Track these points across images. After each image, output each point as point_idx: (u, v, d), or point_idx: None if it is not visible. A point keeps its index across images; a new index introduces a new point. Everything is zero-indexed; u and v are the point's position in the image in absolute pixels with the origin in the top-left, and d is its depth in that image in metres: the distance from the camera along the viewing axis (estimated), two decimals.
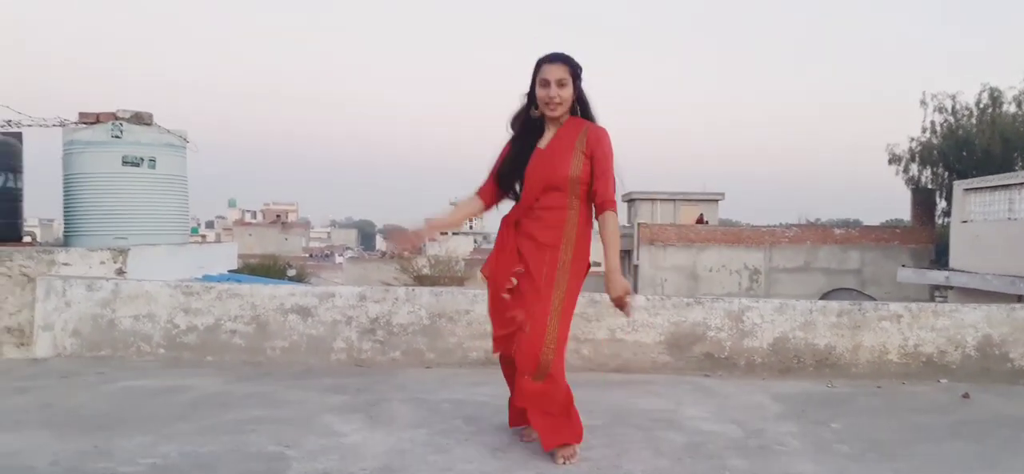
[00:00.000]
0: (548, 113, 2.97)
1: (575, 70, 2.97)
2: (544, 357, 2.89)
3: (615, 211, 2.97)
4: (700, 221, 34.47)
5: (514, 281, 2.98)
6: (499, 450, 3.11)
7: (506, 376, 3.25)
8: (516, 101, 3.10)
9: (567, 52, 2.99)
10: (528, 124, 3.06)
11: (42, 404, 3.78)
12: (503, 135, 3.14)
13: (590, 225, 3.06)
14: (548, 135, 3.03)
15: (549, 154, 2.99)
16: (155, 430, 3.30)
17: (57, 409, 3.69)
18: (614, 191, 2.97)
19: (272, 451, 3.05)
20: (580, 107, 3.03)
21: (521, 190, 3.07)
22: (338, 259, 71.39)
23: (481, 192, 3.15)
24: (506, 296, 3.00)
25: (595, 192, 2.98)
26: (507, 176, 3.08)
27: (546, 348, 2.89)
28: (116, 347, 5.06)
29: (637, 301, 5.02)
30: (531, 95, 3.02)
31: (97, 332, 5.09)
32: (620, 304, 2.95)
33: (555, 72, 2.92)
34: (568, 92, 2.94)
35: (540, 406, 2.97)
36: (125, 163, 9.43)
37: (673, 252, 31.14)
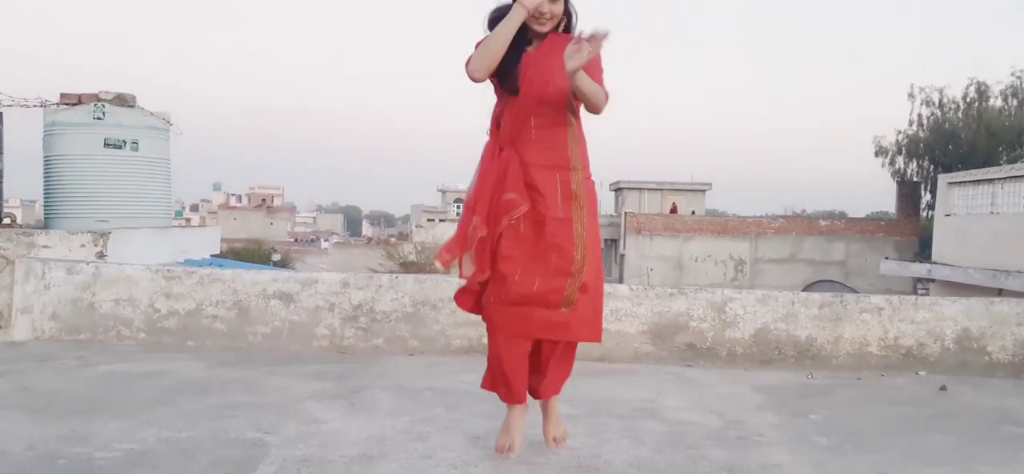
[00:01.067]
0: (536, 27, 2.75)
1: None
2: (570, 287, 2.74)
3: (607, 103, 2.74)
4: (673, 211, 34.64)
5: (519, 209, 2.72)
6: (480, 438, 3.11)
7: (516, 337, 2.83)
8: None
9: None
10: (514, 44, 2.75)
11: (19, 388, 3.75)
12: (479, 35, 2.82)
13: (586, 141, 2.89)
14: (535, 43, 2.81)
15: (539, 61, 2.76)
16: (133, 415, 3.28)
17: (35, 393, 3.66)
18: (605, 91, 2.74)
19: (251, 437, 3.04)
20: (566, 24, 2.84)
21: (502, 107, 2.82)
22: (323, 244, 71.23)
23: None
24: (506, 222, 2.73)
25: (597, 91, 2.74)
26: (503, 79, 2.78)
27: (573, 278, 2.73)
28: (96, 331, 5.02)
29: (621, 291, 5.03)
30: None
31: (77, 315, 5.05)
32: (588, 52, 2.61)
33: None
34: (559, 8, 2.77)
35: (561, 336, 2.82)
36: (107, 145, 9.31)
37: (659, 241, 31.26)
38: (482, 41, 2.74)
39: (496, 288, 2.78)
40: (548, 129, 2.78)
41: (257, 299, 5.02)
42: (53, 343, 4.93)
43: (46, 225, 9.53)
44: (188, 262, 9.00)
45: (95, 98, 9.47)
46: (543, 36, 2.81)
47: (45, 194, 9.83)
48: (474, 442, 3.07)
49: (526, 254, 2.76)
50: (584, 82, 2.65)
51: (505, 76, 2.76)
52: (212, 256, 11.43)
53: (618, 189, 39.63)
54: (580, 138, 2.86)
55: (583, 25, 2.81)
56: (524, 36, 2.78)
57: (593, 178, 2.90)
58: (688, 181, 39.93)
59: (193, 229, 18.55)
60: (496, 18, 2.77)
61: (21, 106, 9.50)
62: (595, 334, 2.91)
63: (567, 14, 2.84)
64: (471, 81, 2.73)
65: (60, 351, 4.66)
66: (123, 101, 9.54)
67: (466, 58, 2.75)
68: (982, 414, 3.85)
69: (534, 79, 2.74)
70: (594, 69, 2.72)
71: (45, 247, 5.45)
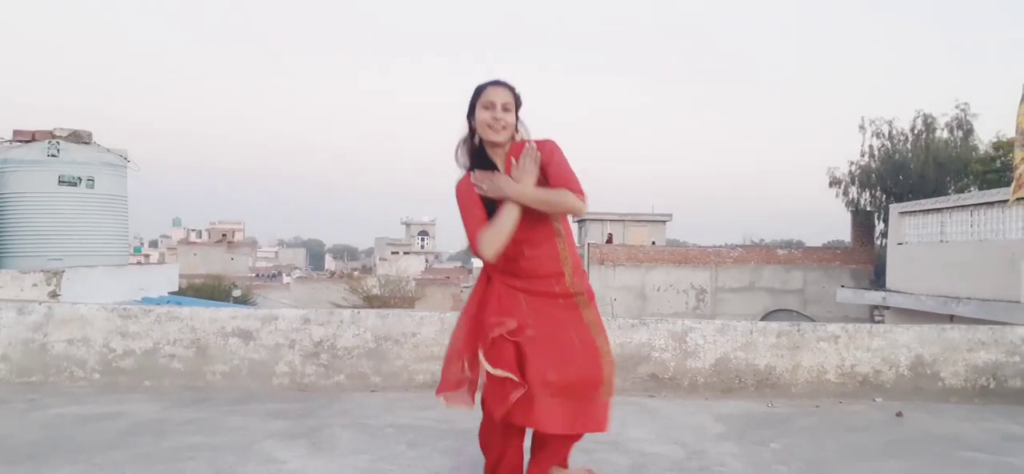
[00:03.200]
0: (491, 137, 2.77)
1: (517, 99, 2.83)
2: (608, 371, 2.79)
3: (584, 200, 2.77)
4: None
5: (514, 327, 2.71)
6: None
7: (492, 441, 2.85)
8: (457, 133, 2.91)
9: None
10: (476, 157, 2.85)
11: None
12: (452, 170, 2.88)
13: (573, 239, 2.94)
14: (500, 166, 2.83)
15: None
16: (86, 459, 3.19)
17: None
18: (580, 187, 2.78)
19: None
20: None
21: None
22: (285, 279, 70.27)
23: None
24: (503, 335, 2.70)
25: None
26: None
27: (608, 361, 2.80)
28: (48, 373, 4.89)
29: None
30: (470, 122, 2.85)
31: (28, 357, 4.91)
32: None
33: (500, 95, 2.78)
34: (511, 118, 2.79)
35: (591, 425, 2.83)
36: (62, 182, 9.13)
37: (622, 272, 31.48)
38: (489, 227, 2.73)
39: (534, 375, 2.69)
40: (540, 248, 2.80)
41: (216, 337, 4.94)
42: (3, 386, 4.78)
43: None
44: (145, 300, 8.82)
45: (50, 135, 9.31)
46: (501, 147, 2.82)
47: None
48: None
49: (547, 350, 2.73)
50: (540, 197, 2.72)
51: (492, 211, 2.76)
52: (170, 293, 11.22)
53: (580, 221, 39.89)
54: (569, 242, 2.89)
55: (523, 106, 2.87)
56: (487, 161, 2.82)
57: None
58: (649, 212, 40.37)
59: (151, 266, 18.20)
60: (459, 153, 2.85)
61: None
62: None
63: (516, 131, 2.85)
64: (484, 260, 2.78)
65: (10, 394, 4.52)
66: (78, 138, 9.39)
67: (476, 238, 2.73)
68: (937, 440, 3.94)
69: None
70: (558, 176, 2.76)
71: None
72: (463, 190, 2.79)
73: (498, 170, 2.80)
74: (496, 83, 2.82)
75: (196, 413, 4.10)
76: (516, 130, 2.83)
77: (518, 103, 2.83)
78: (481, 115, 2.78)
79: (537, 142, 2.81)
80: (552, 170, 2.77)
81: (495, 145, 2.81)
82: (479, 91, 2.82)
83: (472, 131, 2.84)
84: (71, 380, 4.87)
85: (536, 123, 2.91)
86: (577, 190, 2.74)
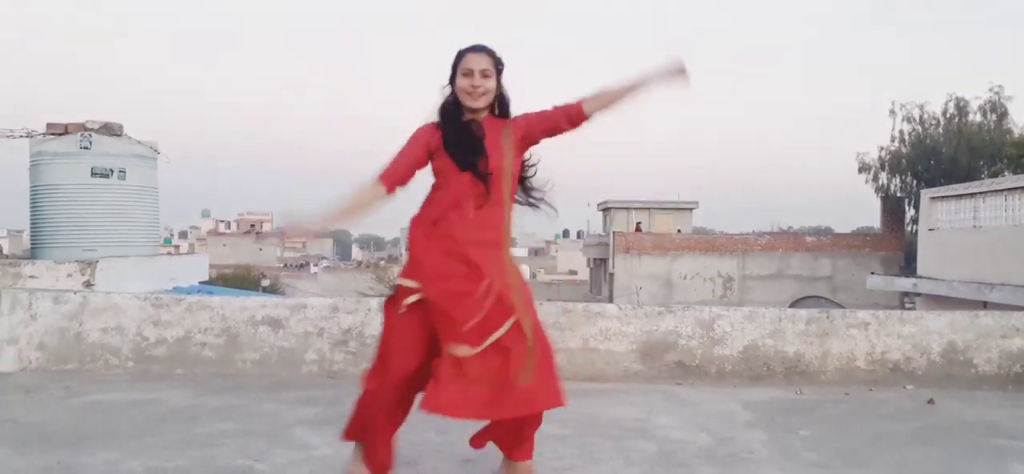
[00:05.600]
0: (470, 103, 2.76)
1: (498, 64, 2.81)
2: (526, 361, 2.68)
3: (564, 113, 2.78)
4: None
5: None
6: (470, 461, 3.11)
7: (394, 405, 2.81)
8: (438, 95, 2.87)
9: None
10: (450, 116, 2.81)
11: (5, 420, 3.72)
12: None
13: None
14: (476, 131, 2.80)
15: (492, 143, 2.77)
16: (121, 445, 3.26)
17: (20, 424, 3.63)
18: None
19: (240, 465, 3.03)
20: (499, 106, 2.85)
21: (443, 183, 2.78)
22: (313, 269, 70.97)
23: (385, 177, 2.73)
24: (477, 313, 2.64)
25: (557, 114, 2.80)
26: (463, 156, 2.74)
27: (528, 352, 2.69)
28: (83, 360, 4.99)
29: (610, 310, 5.05)
30: (451, 88, 2.81)
31: (64, 345, 5.02)
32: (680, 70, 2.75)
33: (479, 62, 2.75)
34: (492, 83, 2.77)
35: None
36: (94, 174, 9.30)
37: (648, 260, 31.37)
38: (360, 192, 2.72)
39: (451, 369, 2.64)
40: (488, 209, 2.76)
41: (246, 325, 5.01)
42: (40, 374, 4.89)
43: (33, 255, 9.47)
44: (176, 289, 8.96)
45: (82, 127, 9.47)
46: (478, 114, 2.79)
47: (32, 223, 9.79)
48: (464, 465, 3.07)
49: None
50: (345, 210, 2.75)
51: (466, 154, 2.73)
52: (201, 283, 11.39)
53: (606, 209, 39.77)
54: (510, 223, 2.86)
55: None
56: (460, 113, 2.79)
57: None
58: (675, 200, 40.11)
59: (181, 256, 18.45)
60: (442, 111, 2.80)
61: (7, 136, 9.48)
62: (557, 399, 2.76)
63: (501, 96, 2.83)
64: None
65: (47, 382, 4.62)
66: (110, 130, 9.54)
67: (381, 171, 2.72)
68: (970, 427, 3.88)
69: (491, 159, 2.74)
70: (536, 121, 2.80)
71: (32, 277, 5.43)
72: (418, 133, 2.79)
73: (476, 135, 2.77)
74: (476, 49, 2.80)
75: (227, 400, 4.17)
76: (497, 95, 2.81)
77: (499, 70, 2.80)
78: (461, 81, 2.76)
79: (511, 119, 2.83)
80: (532, 117, 2.81)
81: (473, 111, 2.79)
82: (459, 57, 2.79)
83: (454, 96, 2.81)
84: (106, 368, 4.97)
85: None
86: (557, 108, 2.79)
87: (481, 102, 2.77)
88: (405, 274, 2.76)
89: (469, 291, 2.64)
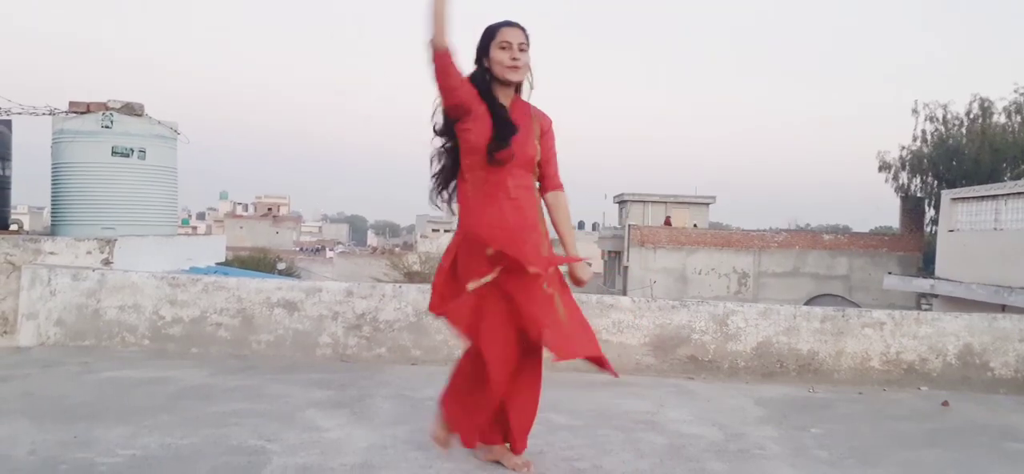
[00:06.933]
0: (510, 77, 2.78)
1: (529, 40, 2.82)
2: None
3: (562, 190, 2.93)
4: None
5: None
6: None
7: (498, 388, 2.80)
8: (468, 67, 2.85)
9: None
10: (485, 91, 2.79)
11: (23, 393, 3.77)
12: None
13: None
14: (505, 103, 2.83)
15: (523, 131, 2.80)
16: (136, 421, 3.30)
17: (38, 398, 3.68)
18: (558, 171, 2.93)
19: (253, 444, 3.05)
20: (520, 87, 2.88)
21: (477, 163, 2.76)
22: (329, 253, 71.35)
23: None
24: (547, 289, 2.71)
25: (546, 174, 2.89)
26: (502, 130, 2.74)
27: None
28: (100, 337, 5.05)
29: (623, 303, 5.04)
30: (480, 62, 2.82)
31: (82, 322, 5.08)
32: (581, 282, 2.92)
33: (517, 35, 2.78)
34: (528, 57, 2.80)
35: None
36: (115, 153, 9.36)
37: (663, 254, 31.25)
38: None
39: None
40: (526, 190, 2.81)
41: (261, 307, 5.05)
42: (57, 349, 4.96)
43: (53, 231, 9.57)
44: (193, 270, 9.03)
45: (103, 107, 9.54)
46: (509, 88, 2.82)
47: (52, 201, 9.88)
48: (474, 451, 3.08)
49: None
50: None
51: (502, 142, 2.74)
52: (217, 264, 11.46)
53: (621, 201, 39.64)
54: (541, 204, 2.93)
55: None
56: (491, 89, 2.80)
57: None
58: (691, 194, 39.91)
59: (199, 237, 18.60)
60: (474, 79, 2.80)
61: (30, 114, 9.58)
62: (594, 348, 2.80)
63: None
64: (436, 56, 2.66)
65: (64, 357, 4.68)
66: (131, 110, 9.61)
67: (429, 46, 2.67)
68: (984, 430, 3.85)
69: (519, 151, 2.77)
70: (549, 151, 2.90)
71: (51, 254, 5.49)
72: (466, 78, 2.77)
73: (503, 106, 2.80)
74: (510, 24, 2.82)
75: (241, 380, 4.21)
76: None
77: (530, 45, 2.82)
78: (498, 55, 2.77)
79: (539, 110, 2.90)
80: (549, 141, 2.90)
81: (509, 84, 2.81)
82: (493, 31, 2.79)
83: (484, 69, 2.81)
84: (122, 345, 5.02)
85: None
86: (559, 178, 2.93)
87: (521, 75, 2.80)
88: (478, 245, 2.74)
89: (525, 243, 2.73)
